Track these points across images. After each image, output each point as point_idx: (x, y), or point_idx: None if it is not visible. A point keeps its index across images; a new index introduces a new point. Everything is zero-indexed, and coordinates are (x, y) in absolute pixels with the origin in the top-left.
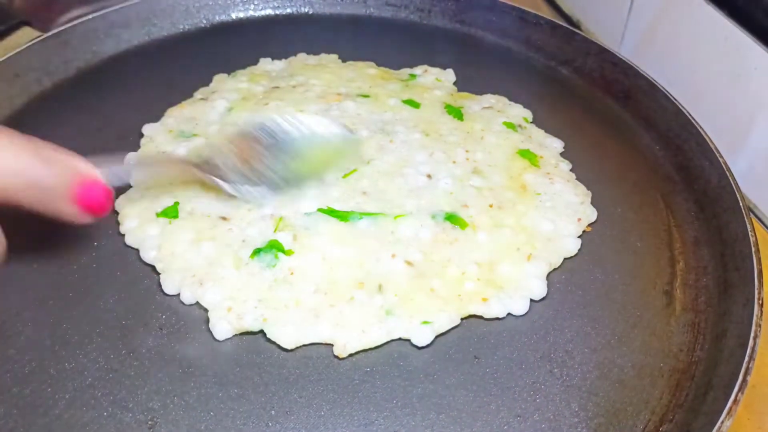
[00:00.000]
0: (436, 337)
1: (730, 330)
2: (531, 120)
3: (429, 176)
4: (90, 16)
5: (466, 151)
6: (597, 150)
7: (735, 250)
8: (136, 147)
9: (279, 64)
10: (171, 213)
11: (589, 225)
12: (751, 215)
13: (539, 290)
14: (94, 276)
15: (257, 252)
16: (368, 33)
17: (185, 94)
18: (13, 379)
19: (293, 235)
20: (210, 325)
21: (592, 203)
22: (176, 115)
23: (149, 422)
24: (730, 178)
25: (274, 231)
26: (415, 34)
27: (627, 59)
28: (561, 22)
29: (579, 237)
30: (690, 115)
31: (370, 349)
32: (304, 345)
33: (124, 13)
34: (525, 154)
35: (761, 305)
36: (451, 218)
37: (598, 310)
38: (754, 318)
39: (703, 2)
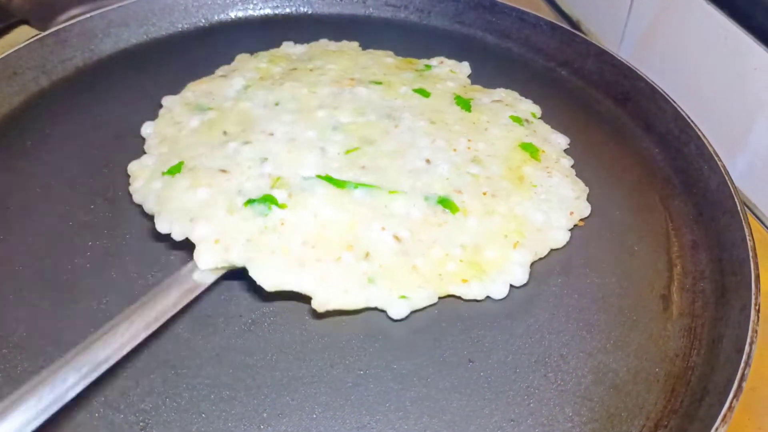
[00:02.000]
0: (412, 312)
1: (727, 335)
2: (539, 116)
3: (428, 161)
4: (88, 15)
5: (469, 140)
6: (596, 152)
7: (732, 255)
8: (132, 148)
9: (300, 48)
10: (175, 170)
11: (582, 220)
12: (752, 216)
13: (521, 277)
14: (87, 276)
15: (251, 202)
16: (367, 33)
17: (181, 88)
18: (5, 379)
19: (289, 193)
20: (195, 253)
21: (591, 206)
22: (195, 89)
23: (141, 423)
24: (728, 182)
25: (271, 187)
26: (414, 35)
27: (626, 61)
28: (561, 23)
29: (570, 230)
30: (689, 118)
31: (348, 312)
32: (283, 291)
33: (122, 12)
34: (527, 147)
35: (758, 310)
36: (443, 202)
37: (593, 313)
38: (751, 323)
39: (703, 2)
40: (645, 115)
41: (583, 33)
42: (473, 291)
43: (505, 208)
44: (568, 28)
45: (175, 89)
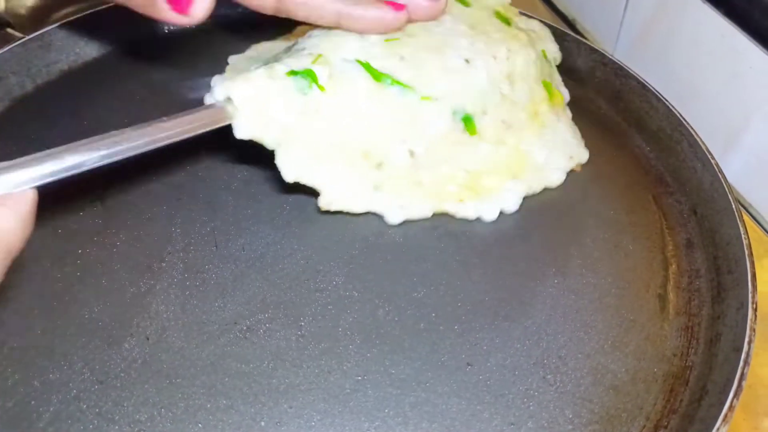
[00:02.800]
0: (406, 221)
1: (725, 334)
2: (557, 64)
3: (467, 61)
4: (73, 18)
5: (508, 50)
6: (588, 151)
7: (728, 253)
8: None
9: None
10: None
11: (580, 166)
12: (747, 215)
13: (512, 205)
14: (78, 285)
15: (294, 73)
16: None
17: (171, 95)
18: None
19: (329, 72)
20: (235, 120)
21: (583, 208)
22: (258, 49)
23: None
24: (722, 180)
25: (312, 63)
26: None
27: (618, 60)
28: (556, 22)
29: (567, 173)
30: (681, 116)
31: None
32: (299, 184)
33: (107, 15)
34: (548, 86)
35: (755, 309)
36: (466, 120)
37: (591, 314)
38: (748, 322)
39: (699, 1)
40: (637, 113)
41: (578, 32)
42: (466, 211)
43: (514, 140)
44: (559, 27)
45: (162, 92)
